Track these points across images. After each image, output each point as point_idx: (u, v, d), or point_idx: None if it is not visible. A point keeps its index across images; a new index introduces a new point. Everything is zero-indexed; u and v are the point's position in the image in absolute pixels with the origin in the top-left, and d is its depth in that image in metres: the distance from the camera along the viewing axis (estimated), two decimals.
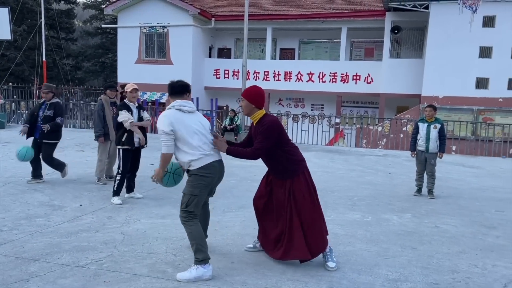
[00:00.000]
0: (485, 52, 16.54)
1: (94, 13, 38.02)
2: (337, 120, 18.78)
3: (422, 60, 18.06)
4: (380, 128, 16.89)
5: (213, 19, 21.04)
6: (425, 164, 7.10)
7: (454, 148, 15.26)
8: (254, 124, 3.80)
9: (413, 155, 7.28)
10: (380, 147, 16.26)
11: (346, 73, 20.37)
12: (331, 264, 3.77)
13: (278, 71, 21.09)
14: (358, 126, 17.00)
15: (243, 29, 15.10)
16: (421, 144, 7.08)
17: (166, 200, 6.11)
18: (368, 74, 19.96)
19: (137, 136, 6.00)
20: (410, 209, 6.13)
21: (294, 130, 15.74)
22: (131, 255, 3.97)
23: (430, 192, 7.04)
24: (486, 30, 16.32)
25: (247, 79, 15.62)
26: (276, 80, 21.20)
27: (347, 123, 18.81)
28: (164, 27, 20.68)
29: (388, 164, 10.55)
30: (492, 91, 16.45)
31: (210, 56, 22.71)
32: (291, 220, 3.71)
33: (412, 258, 4.13)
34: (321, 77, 20.79)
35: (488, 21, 16.34)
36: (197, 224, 3.56)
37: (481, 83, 16.63)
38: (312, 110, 21.87)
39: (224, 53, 23.32)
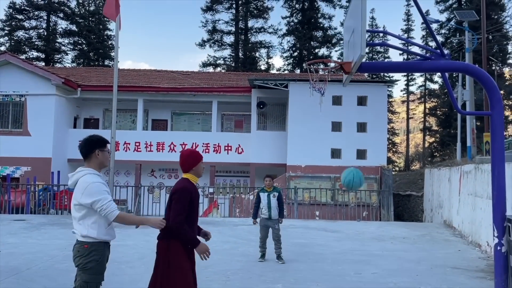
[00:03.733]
0: (336, 127, 18.89)
1: None
2: (211, 190, 18.99)
3: (286, 132, 19.74)
4: (251, 197, 17.51)
5: (79, 89, 20.22)
6: (269, 231, 7.61)
7: (317, 213, 16.51)
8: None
9: (254, 222, 7.88)
10: None
11: (218, 144, 21.07)
12: None
13: (150, 142, 20.82)
14: (231, 195, 17.38)
15: (112, 100, 14.76)
16: (264, 212, 7.63)
17: None
18: (239, 145, 20.94)
19: None
20: (281, 279, 6.31)
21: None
22: None
23: (279, 257, 7.48)
24: (336, 107, 18.80)
25: (116, 150, 15.02)
26: (148, 151, 20.82)
27: (220, 192, 19.12)
28: (21, 95, 19.09)
29: None
30: (344, 160, 18.60)
31: (75, 127, 21.45)
32: None
33: None
34: (194, 147, 21.09)
35: (336, 100, 18.90)
36: None
37: (335, 153, 18.75)
38: None
39: (91, 123, 22.28)
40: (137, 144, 20.64)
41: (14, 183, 16.93)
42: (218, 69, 39.36)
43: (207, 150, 21.02)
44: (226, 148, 21.04)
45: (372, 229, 11.86)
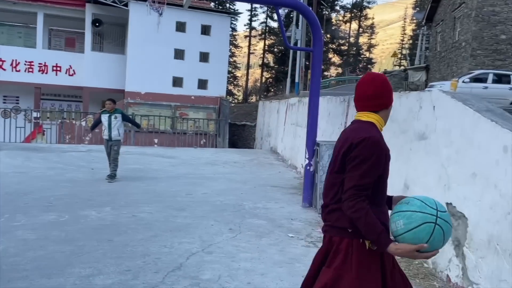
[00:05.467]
0: (179, 54, 18.56)
1: None
2: (36, 115, 17.05)
3: (125, 56, 18.56)
4: (84, 123, 16.36)
5: None
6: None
7: (156, 140, 16.46)
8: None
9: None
10: (86, 142, 15.75)
11: (45, 63, 18.69)
12: None
13: None
14: (60, 121, 15.90)
15: None
16: (105, 133, 7.84)
17: None
18: (70, 66, 18.96)
19: None
20: (110, 202, 6.22)
21: None
22: None
23: (110, 176, 7.69)
24: (179, 34, 18.33)
25: None
26: None
27: (48, 117, 17.32)
28: None
29: (91, 159, 10.35)
30: (186, 89, 18.65)
31: None
32: None
33: (108, 251, 4.21)
34: (14, 65, 18.32)
35: (180, 27, 18.40)
36: None
37: (177, 82, 18.60)
38: (4, 102, 19.01)
39: None
40: None
41: None
42: None
43: (30, 69, 18.52)
44: (55, 68, 18.83)
45: (207, 155, 12.46)
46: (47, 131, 15.75)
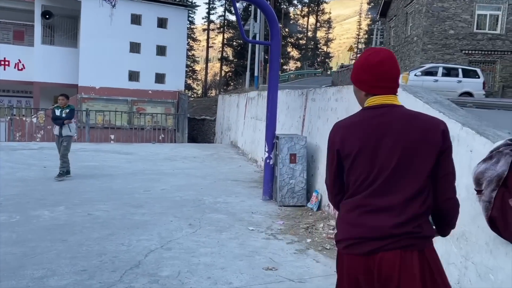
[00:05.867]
0: (134, 48, 18.10)
1: None
2: None
3: (78, 49, 17.88)
4: (35, 120, 15.65)
5: None
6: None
7: (112, 137, 16.02)
8: None
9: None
10: (37, 139, 15.09)
11: None
12: None
13: None
14: (9, 118, 15.12)
15: None
16: (56, 129, 7.69)
17: None
18: (19, 60, 18.05)
19: None
20: (64, 201, 6.00)
21: None
22: None
23: (59, 174, 7.46)
24: (134, 27, 17.87)
25: None
26: None
27: None
28: None
29: (43, 157, 9.92)
30: (142, 83, 18.23)
31: None
32: None
33: (62, 251, 4.06)
34: None
35: (135, 19, 17.93)
36: None
37: (133, 76, 18.15)
38: None
39: None
40: None
41: None
42: None
43: None
44: (3, 62, 17.87)
45: (166, 151, 12.27)
46: None
